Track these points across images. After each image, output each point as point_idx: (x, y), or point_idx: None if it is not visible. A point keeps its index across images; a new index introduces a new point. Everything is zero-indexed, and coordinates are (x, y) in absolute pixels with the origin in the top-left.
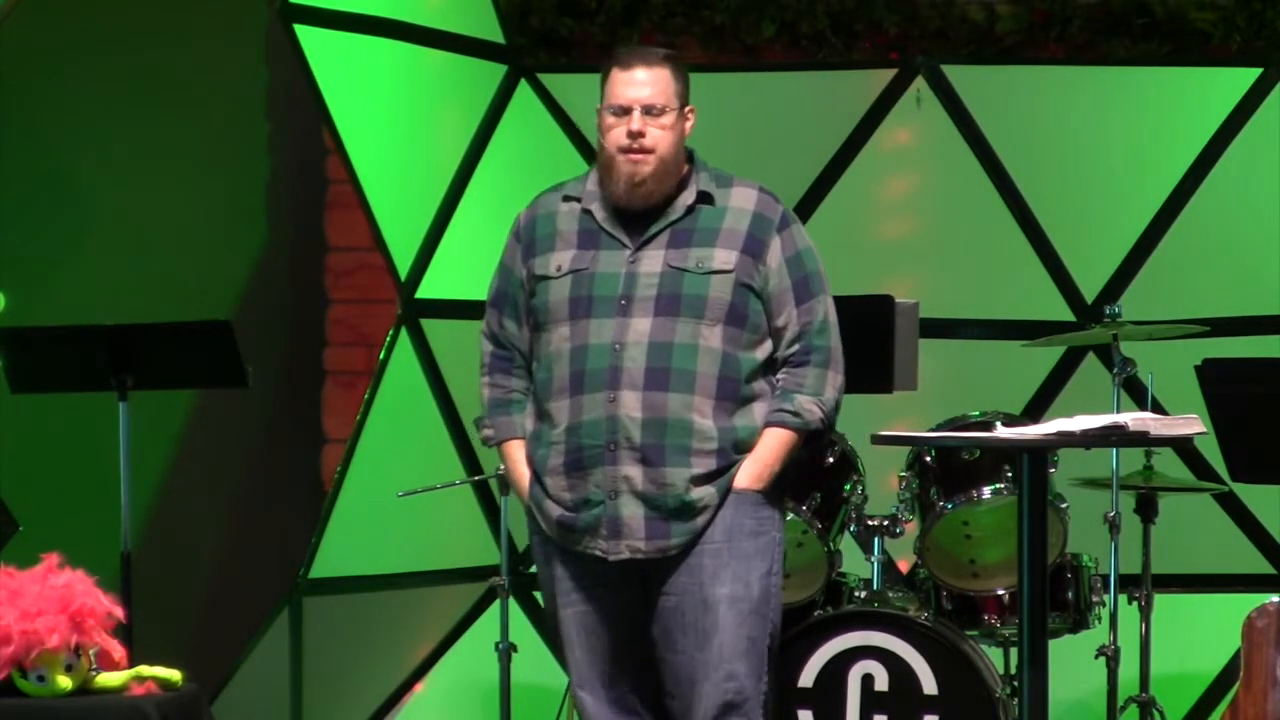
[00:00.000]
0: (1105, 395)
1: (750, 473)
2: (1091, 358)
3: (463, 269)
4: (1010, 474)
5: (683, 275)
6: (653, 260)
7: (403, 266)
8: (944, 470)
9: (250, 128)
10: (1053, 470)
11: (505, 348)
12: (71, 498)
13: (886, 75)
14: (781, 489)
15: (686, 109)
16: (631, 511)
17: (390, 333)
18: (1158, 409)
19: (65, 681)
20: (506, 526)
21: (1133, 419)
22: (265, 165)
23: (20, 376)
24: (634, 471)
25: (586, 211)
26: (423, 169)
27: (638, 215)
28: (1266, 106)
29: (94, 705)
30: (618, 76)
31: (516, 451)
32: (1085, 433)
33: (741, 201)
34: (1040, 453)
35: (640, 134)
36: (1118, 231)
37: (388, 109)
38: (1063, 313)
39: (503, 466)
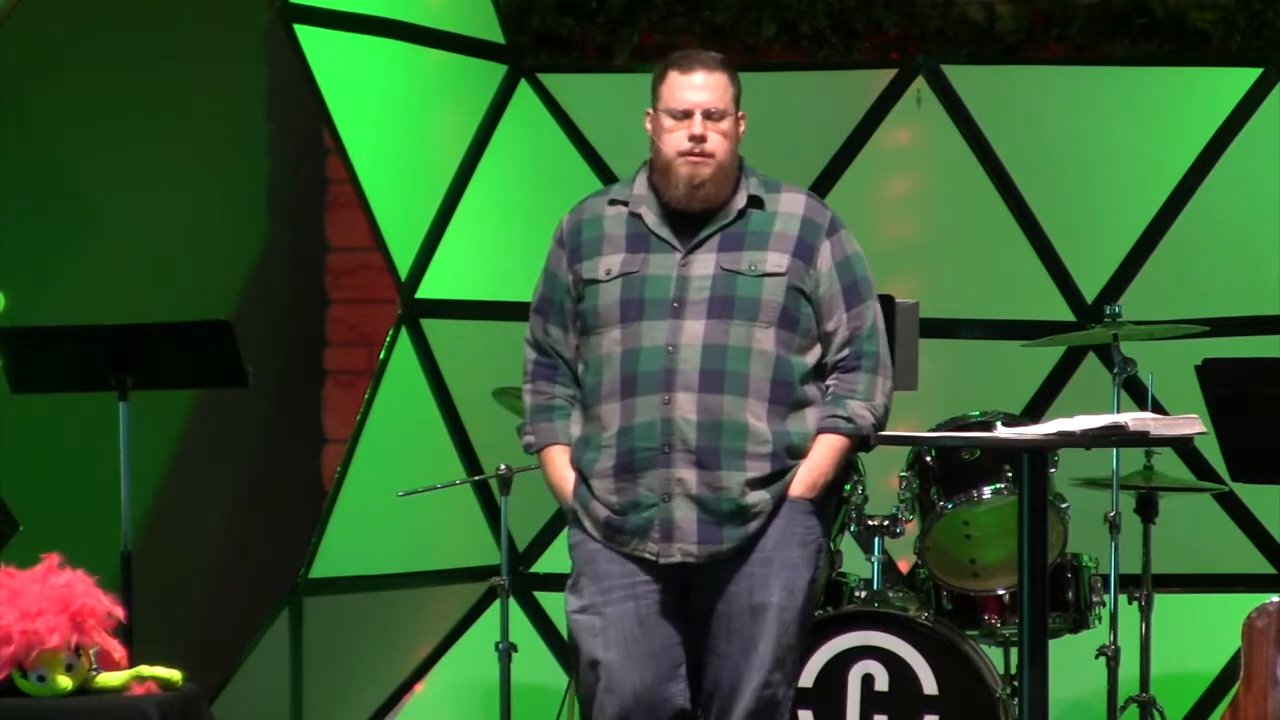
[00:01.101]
0: (1105, 395)
1: (805, 481)
2: (1091, 358)
3: (463, 269)
4: (1010, 474)
5: (736, 278)
6: (704, 263)
7: (403, 266)
8: (944, 470)
9: (250, 128)
10: (1053, 470)
11: (548, 354)
12: (71, 498)
13: (886, 75)
14: (830, 496)
15: (740, 114)
16: (684, 514)
17: (390, 333)
18: (1158, 409)
19: (65, 681)
20: (506, 526)
21: (1133, 419)
22: (265, 165)
23: (20, 376)
24: (688, 474)
25: (635, 215)
26: (423, 169)
27: (687, 219)
28: (1266, 106)
29: (94, 705)
30: (676, 79)
31: (558, 457)
32: (1085, 433)
33: (791, 206)
34: (1040, 453)
35: (702, 138)
36: (1118, 231)
37: (388, 109)
38: (1063, 313)
39: (542, 472)
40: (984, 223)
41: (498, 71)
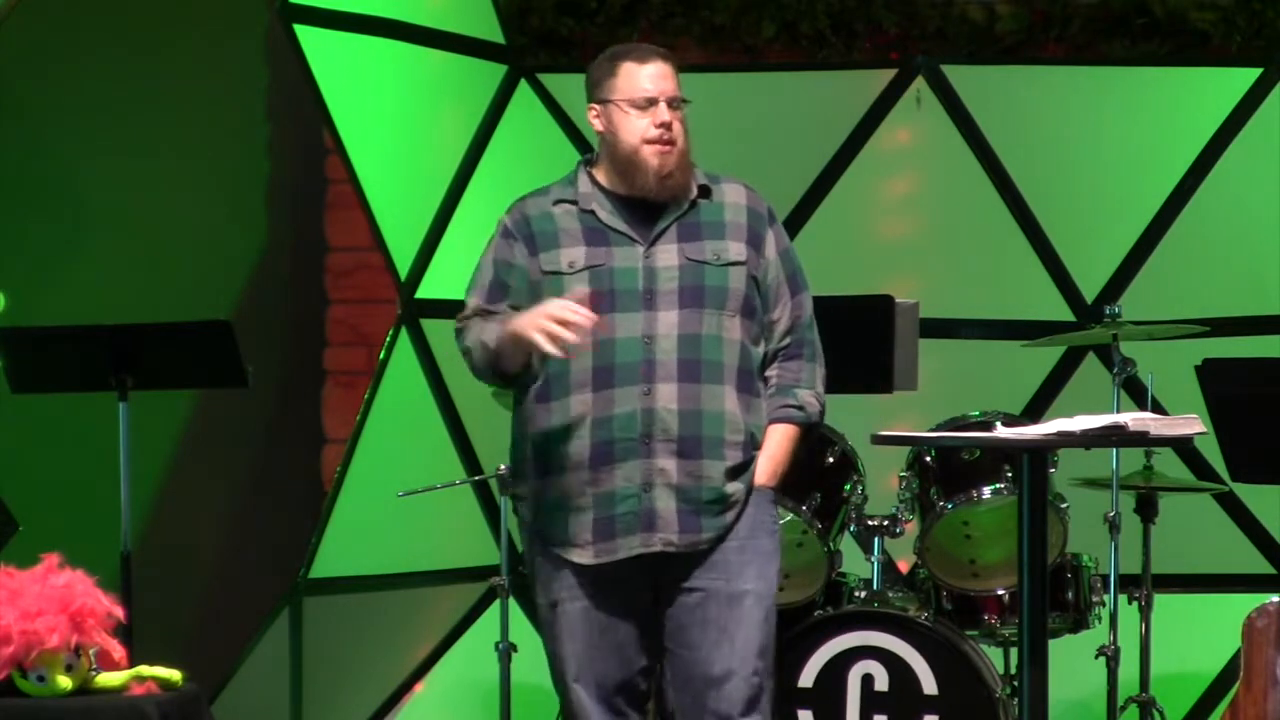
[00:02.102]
0: (1105, 395)
1: (766, 470)
2: (1091, 358)
3: (463, 269)
4: (1010, 474)
5: (703, 268)
6: (668, 254)
7: (403, 266)
8: (944, 470)
9: (250, 128)
10: (1053, 470)
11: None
12: (71, 498)
13: (886, 75)
14: (783, 487)
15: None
16: (665, 504)
17: (390, 333)
18: (1158, 409)
19: (65, 681)
20: (506, 526)
21: (1133, 419)
22: (265, 165)
23: (20, 376)
24: (669, 464)
25: (587, 212)
26: (423, 169)
27: (640, 212)
28: (1266, 106)
29: (94, 705)
30: (634, 70)
31: (514, 313)
32: (1085, 433)
33: (734, 196)
34: (1040, 453)
35: (669, 125)
36: (1118, 231)
37: (388, 109)
38: (1063, 313)
39: (490, 339)
40: (984, 223)
41: (498, 71)
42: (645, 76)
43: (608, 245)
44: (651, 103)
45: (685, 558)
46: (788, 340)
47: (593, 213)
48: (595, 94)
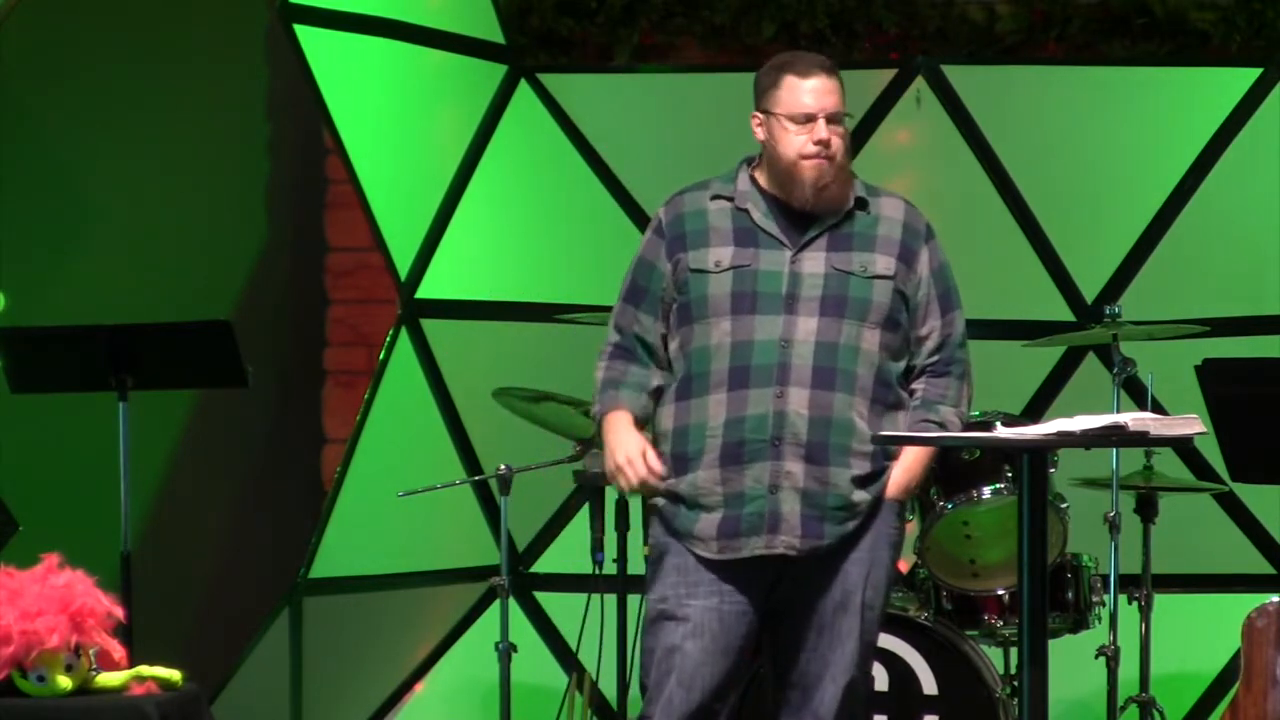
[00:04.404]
0: (1105, 395)
1: (900, 483)
2: (1091, 358)
3: (463, 269)
4: (1010, 474)
5: (848, 278)
6: (815, 262)
7: (403, 266)
8: (944, 470)
9: (250, 128)
10: (1053, 470)
11: (631, 340)
12: (71, 498)
13: (886, 75)
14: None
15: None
16: (791, 507)
17: (390, 333)
18: (1158, 409)
19: (65, 681)
20: (506, 526)
21: (1133, 419)
22: (265, 165)
23: (20, 376)
24: (796, 468)
25: (741, 210)
26: (423, 169)
27: (793, 216)
28: (1266, 106)
29: (94, 705)
30: (795, 84)
31: (619, 420)
32: (1085, 433)
33: (891, 210)
34: (1040, 453)
35: (827, 142)
36: (1118, 231)
37: (388, 109)
38: (1063, 313)
39: (601, 435)
40: (984, 223)
41: (498, 71)
42: (806, 91)
43: (755, 246)
44: (810, 119)
45: (805, 562)
46: (936, 357)
47: (746, 212)
48: (759, 103)
